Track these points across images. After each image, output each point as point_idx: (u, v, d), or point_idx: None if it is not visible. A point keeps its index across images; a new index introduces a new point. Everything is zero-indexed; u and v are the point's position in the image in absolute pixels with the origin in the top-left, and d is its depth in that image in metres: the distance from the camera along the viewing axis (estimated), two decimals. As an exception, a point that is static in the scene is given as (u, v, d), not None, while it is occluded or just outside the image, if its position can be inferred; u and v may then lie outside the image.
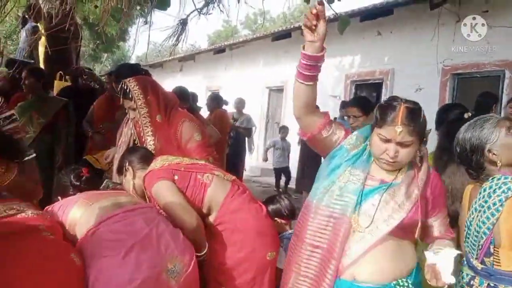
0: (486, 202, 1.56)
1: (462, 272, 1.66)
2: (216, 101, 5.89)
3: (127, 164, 2.14)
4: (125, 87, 2.35)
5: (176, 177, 2.00)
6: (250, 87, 11.05)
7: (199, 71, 13.56)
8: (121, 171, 2.19)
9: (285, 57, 10.00)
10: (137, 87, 2.36)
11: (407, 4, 6.82)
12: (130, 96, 2.35)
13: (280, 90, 10.53)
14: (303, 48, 1.53)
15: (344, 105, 5.88)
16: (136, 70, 2.99)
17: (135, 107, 2.36)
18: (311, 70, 1.53)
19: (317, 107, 1.70)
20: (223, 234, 2.01)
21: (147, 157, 2.17)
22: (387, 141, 1.51)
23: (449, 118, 2.34)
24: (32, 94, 3.86)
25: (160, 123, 2.42)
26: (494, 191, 1.55)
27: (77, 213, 1.73)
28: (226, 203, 2.03)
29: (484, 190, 1.59)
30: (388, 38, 7.51)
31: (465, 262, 1.66)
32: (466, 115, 2.20)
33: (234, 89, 11.24)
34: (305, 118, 1.64)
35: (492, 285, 1.54)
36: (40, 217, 1.49)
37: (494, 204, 1.54)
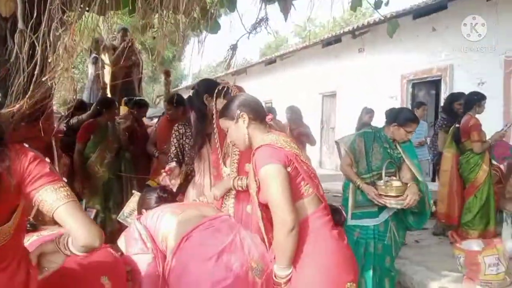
0: None
1: None
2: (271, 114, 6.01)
3: (239, 111, 1.90)
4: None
5: (289, 169, 1.76)
6: (303, 94, 11.09)
7: (252, 83, 13.83)
8: (230, 116, 1.93)
9: (336, 62, 9.94)
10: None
11: (462, -3, 6.58)
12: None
13: (333, 95, 10.46)
14: None
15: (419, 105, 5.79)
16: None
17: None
18: None
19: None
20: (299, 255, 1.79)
21: (260, 112, 1.95)
22: None
23: None
24: (104, 121, 4.17)
25: None
26: None
27: (170, 222, 1.97)
28: (310, 220, 1.81)
29: None
30: (444, 34, 7.24)
31: None
32: None
33: (287, 98, 11.34)
34: None
35: None
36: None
37: None
